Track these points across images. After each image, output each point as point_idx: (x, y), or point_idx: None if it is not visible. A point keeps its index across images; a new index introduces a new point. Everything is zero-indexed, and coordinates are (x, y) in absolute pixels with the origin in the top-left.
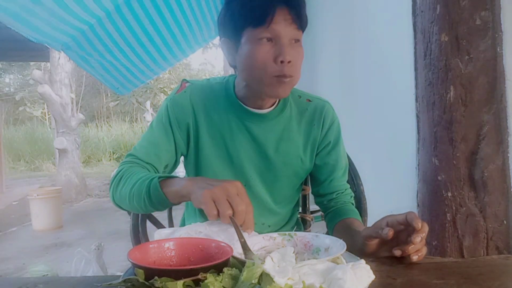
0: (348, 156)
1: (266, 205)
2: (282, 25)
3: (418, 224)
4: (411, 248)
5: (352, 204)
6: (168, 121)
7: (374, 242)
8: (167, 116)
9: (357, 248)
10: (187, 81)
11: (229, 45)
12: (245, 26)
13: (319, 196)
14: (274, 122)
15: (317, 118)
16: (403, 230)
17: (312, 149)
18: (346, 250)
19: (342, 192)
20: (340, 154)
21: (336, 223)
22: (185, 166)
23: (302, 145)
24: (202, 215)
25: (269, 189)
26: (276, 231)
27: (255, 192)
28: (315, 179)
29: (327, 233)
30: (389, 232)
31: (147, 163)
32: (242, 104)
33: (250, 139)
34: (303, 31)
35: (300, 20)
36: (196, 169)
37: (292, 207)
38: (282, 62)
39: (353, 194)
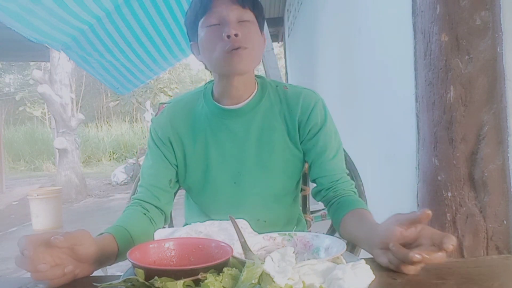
0: (348, 156)
1: (259, 200)
2: (223, 7)
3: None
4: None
5: (354, 193)
6: (153, 142)
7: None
8: (152, 138)
9: (375, 243)
10: (164, 103)
11: (195, 46)
12: (197, 19)
13: (315, 187)
14: (252, 113)
15: (294, 103)
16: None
17: (294, 134)
18: (358, 247)
19: (337, 180)
20: (329, 135)
21: (343, 216)
22: (178, 176)
23: (286, 131)
24: (203, 215)
25: (261, 183)
26: (275, 229)
27: (245, 189)
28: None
29: (328, 233)
30: (426, 211)
31: (151, 185)
32: (218, 104)
33: (232, 135)
34: (253, 12)
35: (242, 0)
36: (185, 176)
37: (290, 202)
38: (228, 36)
39: (353, 183)
